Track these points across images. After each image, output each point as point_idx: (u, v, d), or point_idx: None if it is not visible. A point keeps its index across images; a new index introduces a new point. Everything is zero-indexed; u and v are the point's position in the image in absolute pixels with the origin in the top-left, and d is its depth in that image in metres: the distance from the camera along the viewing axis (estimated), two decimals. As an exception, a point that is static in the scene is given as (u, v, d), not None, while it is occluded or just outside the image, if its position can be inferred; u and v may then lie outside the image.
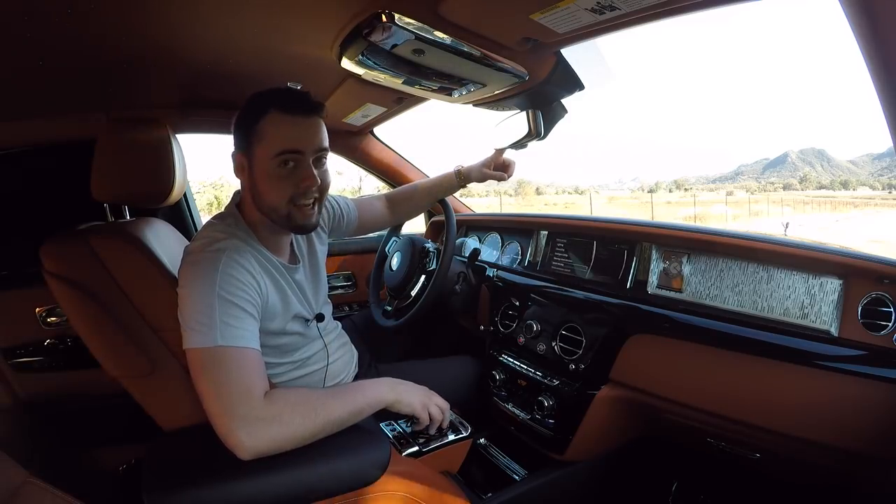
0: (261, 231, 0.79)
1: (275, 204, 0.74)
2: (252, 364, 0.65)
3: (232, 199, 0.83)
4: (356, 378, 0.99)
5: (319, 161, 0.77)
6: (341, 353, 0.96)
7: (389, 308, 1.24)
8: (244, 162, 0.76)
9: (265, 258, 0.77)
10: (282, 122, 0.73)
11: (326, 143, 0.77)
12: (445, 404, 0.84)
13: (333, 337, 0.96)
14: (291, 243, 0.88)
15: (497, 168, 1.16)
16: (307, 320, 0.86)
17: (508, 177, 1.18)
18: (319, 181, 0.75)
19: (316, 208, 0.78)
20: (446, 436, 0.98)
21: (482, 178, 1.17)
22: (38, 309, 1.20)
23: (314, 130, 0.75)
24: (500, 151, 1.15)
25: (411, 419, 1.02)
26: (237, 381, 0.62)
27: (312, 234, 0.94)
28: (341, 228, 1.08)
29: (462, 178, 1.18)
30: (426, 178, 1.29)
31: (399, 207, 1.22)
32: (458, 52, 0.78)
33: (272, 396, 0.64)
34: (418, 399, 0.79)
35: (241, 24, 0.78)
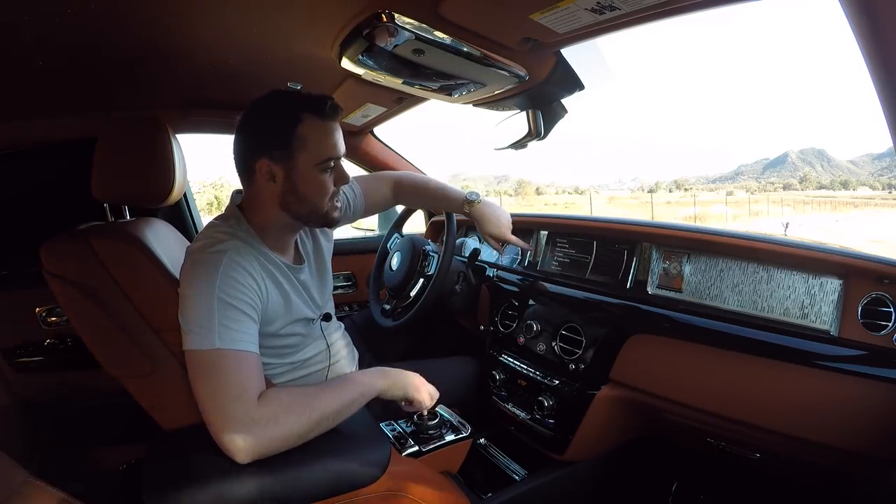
0: (266, 232, 0.78)
1: (318, 204, 0.77)
2: (249, 367, 0.65)
3: (231, 199, 0.82)
4: None
5: None
6: (344, 353, 0.96)
7: (388, 307, 1.24)
8: (276, 169, 0.74)
9: (268, 259, 0.77)
10: (321, 128, 0.74)
11: None
12: (436, 392, 0.84)
13: (337, 337, 0.95)
14: (296, 243, 0.87)
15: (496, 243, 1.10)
16: (312, 320, 0.85)
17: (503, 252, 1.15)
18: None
19: None
20: (445, 436, 0.98)
21: (484, 237, 1.10)
22: (38, 309, 1.20)
23: (341, 136, 0.78)
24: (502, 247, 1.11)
25: (411, 419, 1.02)
26: (234, 384, 0.62)
27: (318, 231, 0.94)
28: (347, 217, 1.06)
29: (468, 213, 1.09)
30: (439, 183, 1.17)
31: (403, 198, 1.16)
32: (458, 52, 0.78)
33: (266, 397, 0.64)
34: (410, 382, 0.79)
35: (241, 25, 0.78)
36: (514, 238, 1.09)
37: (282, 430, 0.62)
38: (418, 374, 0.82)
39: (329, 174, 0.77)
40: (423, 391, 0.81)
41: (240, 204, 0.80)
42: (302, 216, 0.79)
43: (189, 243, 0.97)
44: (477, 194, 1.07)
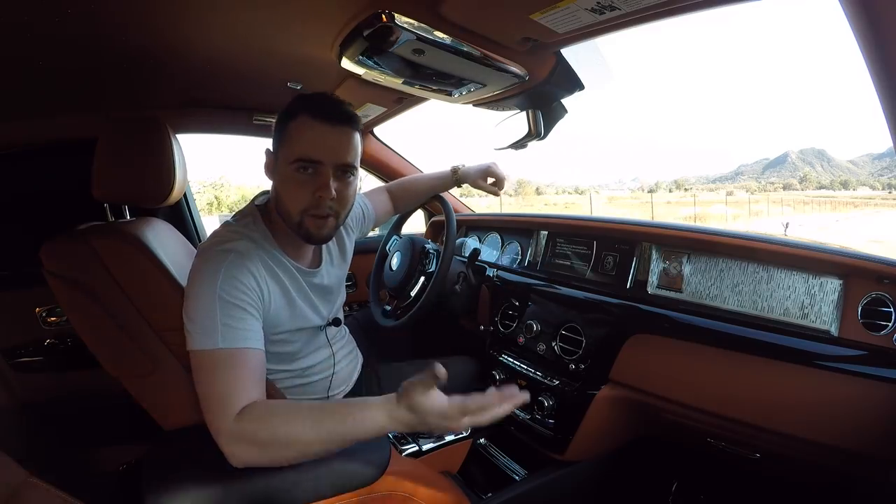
0: (280, 233, 0.77)
1: (289, 210, 0.73)
2: (249, 369, 0.63)
3: (253, 198, 0.82)
4: (357, 381, 0.98)
5: (343, 175, 0.73)
6: (347, 361, 0.95)
7: (389, 308, 1.24)
8: (272, 162, 0.76)
9: (277, 262, 0.75)
10: (307, 127, 0.70)
11: (350, 160, 0.73)
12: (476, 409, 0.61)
13: (342, 345, 0.95)
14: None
15: (493, 181, 1.16)
16: (319, 328, 0.84)
17: (500, 192, 1.19)
18: (335, 194, 0.71)
19: (331, 221, 0.74)
20: (445, 436, 0.98)
21: (475, 186, 1.18)
22: (38, 309, 1.20)
23: (339, 142, 0.71)
24: (496, 164, 1.16)
25: None
26: (227, 387, 0.61)
27: (343, 232, 0.93)
28: (362, 230, 1.09)
29: (458, 178, 1.18)
30: (425, 174, 1.30)
31: (399, 202, 1.22)
32: (458, 52, 0.78)
33: (249, 414, 0.59)
34: (438, 424, 0.59)
35: (241, 24, 0.78)
36: (499, 171, 1.16)
37: (265, 455, 0.58)
38: (444, 404, 0.59)
39: (307, 176, 0.71)
40: (456, 422, 0.59)
41: (266, 203, 0.80)
42: (283, 220, 0.75)
43: (189, 243, 0.98)
44: (461, 164, 1.17)
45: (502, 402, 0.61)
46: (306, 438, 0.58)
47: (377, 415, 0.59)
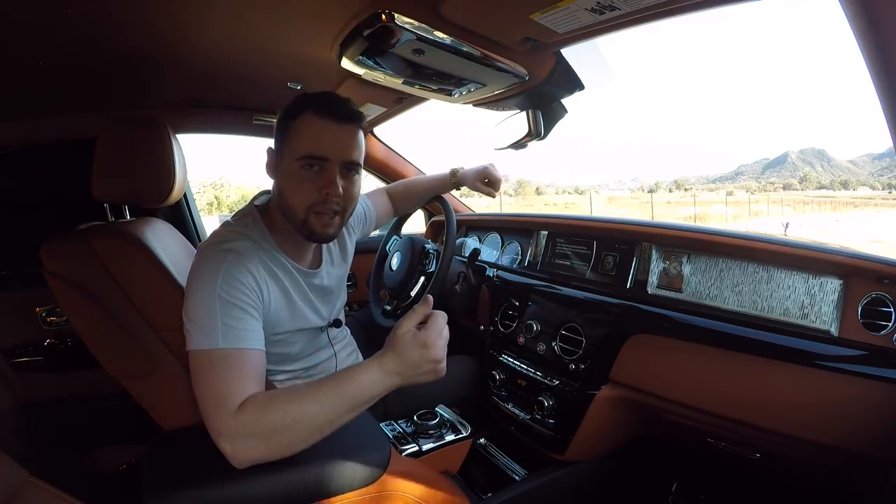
0: (280, 233, 0.77)
1: (294, 207, 0.73)
2: (249, 368, 0.63)
3: (253, 198, 0.82)
4: None
5: (349, 172, 0.74)
6: (348, 361, 0.95)
7: (389, 308, 1.24)
8: (275, 160, 0.76)
9: (277, 263, 0.75)
10: (313, 124, 0.71)
11: (356, 157, 0.74)
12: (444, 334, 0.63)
13: (343, 345, 0.95)
14: (319, 245, 0.86)
15: (489, 182, 1.18)
16: (320, 328, 0.84)
17: (495, 194, 1.21)
18: (342, 191, 0.72)
19: (336, 220, 0.75)
20: (445, 436, 0.98)
21: (473, 188, 1.19)
22: (38, 309, 1.20)
23: (345, 139, 0.72)
24: (492, 166, 1.18)
25: (412, 420, 1.03)
26: (223, 387, 0.60)
27: (344, 233, 0.93)
28: (364, 231, 1.09)
29: (456, 180, 1.19)
30: (424, 175, 1.32)
31: (399, 204, 1.23)
32: (458, 52, 0.78)
33: (244, 408, 0.58)
34: (423, 371, 0.61)
35: (241, 24, 0.78)
36: (495, 173, 1.17)
37: (269, 447, 0.58)
38: (408, 329, 0.61)
39: (312, 173, 0.71)
40: (442, 365, 0.62)
41: (267, 203, 0.80)
42: (287, 218, 0.75)
43: (189, 243, 0.98)
44: (460, 167, 1.19)
45: (427, 305, 0.64)
46: (309, 412, 0.57)
47: (369, 369, 0.60)
